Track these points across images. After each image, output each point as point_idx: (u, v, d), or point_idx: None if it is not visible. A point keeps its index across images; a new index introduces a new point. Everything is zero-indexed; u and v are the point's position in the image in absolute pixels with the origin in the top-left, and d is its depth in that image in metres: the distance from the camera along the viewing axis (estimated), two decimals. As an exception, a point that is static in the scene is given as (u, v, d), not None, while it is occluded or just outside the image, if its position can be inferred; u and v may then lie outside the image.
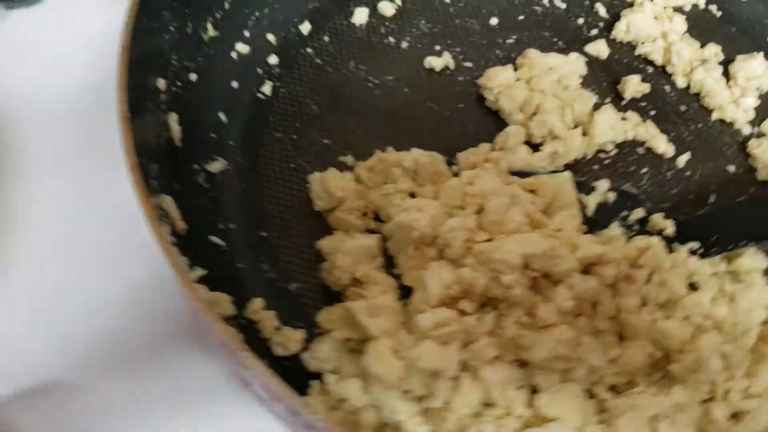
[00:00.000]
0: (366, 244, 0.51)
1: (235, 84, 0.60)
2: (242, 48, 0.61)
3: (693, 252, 0.53)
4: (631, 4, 0.67)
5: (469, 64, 0.63)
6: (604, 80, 0.63)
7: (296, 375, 0.48)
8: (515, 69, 0.61)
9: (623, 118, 0.60)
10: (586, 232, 0.53)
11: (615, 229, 0.55)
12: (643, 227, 0.56)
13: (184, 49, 0.54)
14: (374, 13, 0.66)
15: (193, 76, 0.55)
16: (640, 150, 0.60)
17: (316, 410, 0.35)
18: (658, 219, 0.55)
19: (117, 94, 0.44)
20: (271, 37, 0.63)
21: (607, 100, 0.62)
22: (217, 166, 0.56)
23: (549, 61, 0.61)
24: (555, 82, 0.60)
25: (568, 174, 0.55)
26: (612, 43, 0.65)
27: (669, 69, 0.64)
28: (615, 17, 0.66)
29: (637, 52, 0.65)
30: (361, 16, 0.65)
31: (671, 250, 0.53)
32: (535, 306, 0.46)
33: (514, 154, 0.56)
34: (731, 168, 0.60)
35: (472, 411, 0.45)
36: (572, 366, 0.46)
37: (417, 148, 0.55)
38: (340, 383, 0.46)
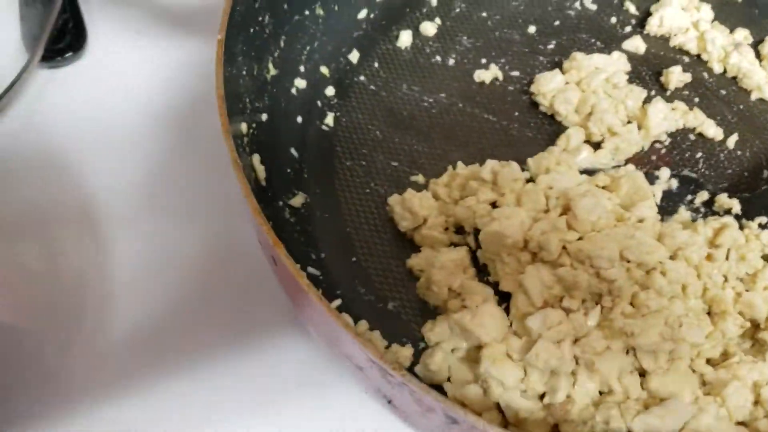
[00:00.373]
0: (457, 257, 0.54)
1: (299, 119, 0.62)
2: (300, 83, 0.63)
3: (762, 226, 0.56)
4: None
5: (516, 73, 0.66)
6: (646, 74, 0.66)
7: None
8: (563, 73, 0.64)
9: (672, 108, 0.63)
10: (660, 220, 0.56)
11: (684, 213, 0.58)
12: (709, 208, 0.59)
13: (254, 91, 0.57)
14: (417, 34, 0.68)
15: (264, 116, 0.58)
16: (692, 136, 0.63)
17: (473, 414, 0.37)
18: (723, 199, 0.58)
19: (225, 143, 0.46)
20: (324, 69, 0.65)
21: (653, 92, 0.65)
22: (298, 200, 0.58)
23: (594, 61, 0.64)
24: (604, 81, 0.63)
25: (632, 168, 0.58)
26: (647, 38, 0.68)
27: (704, 57, 0.67)
28: (645, 13, 0.70)
29: (672, 44, 0.68)
30: (405, 38, 0.68)
31: (742, 227, 0.56)
32: (636, 295, 0.49)
33: (579, 154, 0.59)
34: (778, 142, 0.64)
35: (592, 401, 0.47)
36: (676, 346, 0.49)
37: (489, 159, 0.58)
38: (461, 391, 0.48)
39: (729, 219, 0.55)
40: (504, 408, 0.47)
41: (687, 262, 0.52)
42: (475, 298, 0.52)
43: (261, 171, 0.55)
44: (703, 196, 0.59)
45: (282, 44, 0.61)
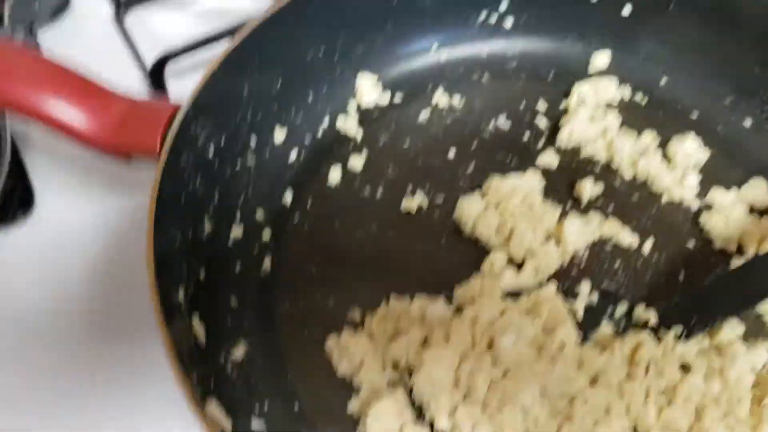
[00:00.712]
0: (396, 401, 0.56)
1: (238, 267, 0.65)
2: (237, 231, 0.66)
3: (678, 336, 0.59)
4: (566, 111, 0.75)
5: (439, 201, 0.69)
6: (561, 188, 0.70)
7: None
8: (482, 196, 0.68)
9: (587, 222, 0.66)
10: (582, 338, 0.59)
11: (606, 327, 0.61)
12: (629, 320, 0.62)
13: (190, 253, 0.59)
14: (345, 170, 0.72)
15: (201, 274, 0.60)
16: (608, 247, 0.66)
17: None
18: (640, 311, 0.62)
19: (155, 314, 0.48)
20: (260, 213, 0.68)
21: (569, 206, 0.69)
22: (239, 350, 0.60)
23: (509, 183, 0.68)
24: (520, 202, 0.66)
25: (552, 288, 0.62)
26: (559, 150, 0.72)
27: (614, 164, 0.71)
28: (555, 126, 0.74)
29: (583, 155, 0.72)
30: (335, 175, 0.71)
31: (660, 338, 0.59)
32: (561, 427, 0.52)
33: (503, 279, 0.63)
34: (691, 243, 0.67)
35: None
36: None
37: (419, 294, 0.61)
38: None
39: (645, 335, 0.58)
40: None
41: (607, 385, 0.55)
42: (415, 439, 0.54)
43: (201, 331, 0.57)
44: (623, 307, 0.63)
45: (216, 199, 0.64)
